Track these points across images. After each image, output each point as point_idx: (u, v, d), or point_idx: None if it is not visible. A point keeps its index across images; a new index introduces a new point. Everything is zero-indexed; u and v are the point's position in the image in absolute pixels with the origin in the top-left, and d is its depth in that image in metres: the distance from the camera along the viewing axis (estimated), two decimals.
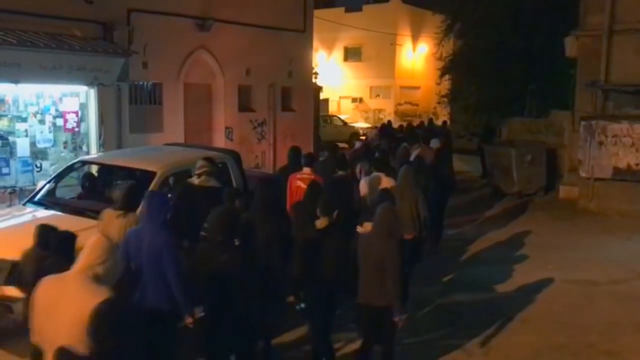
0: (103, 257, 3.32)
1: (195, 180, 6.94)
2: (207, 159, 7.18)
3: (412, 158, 9.88)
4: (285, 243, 5.44)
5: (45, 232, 4.85)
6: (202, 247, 4.83)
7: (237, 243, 4.67)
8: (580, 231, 11.52)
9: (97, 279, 3.26)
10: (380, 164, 8.38)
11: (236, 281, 4.48)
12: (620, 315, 7.31)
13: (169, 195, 6.45)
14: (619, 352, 6.34)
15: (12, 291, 5.78)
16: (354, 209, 7.19)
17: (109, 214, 5.79)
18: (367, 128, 28.91)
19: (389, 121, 21.14)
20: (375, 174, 7.99)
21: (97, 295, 3.14)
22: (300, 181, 7.69)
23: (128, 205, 5.73)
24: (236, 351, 4.78)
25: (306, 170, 7.87)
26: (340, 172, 8.19)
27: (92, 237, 3.47)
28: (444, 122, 21.10)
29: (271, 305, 5.10)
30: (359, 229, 5.50)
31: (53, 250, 4.61)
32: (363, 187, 7.86)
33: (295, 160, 8.49)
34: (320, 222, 5.30)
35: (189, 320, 4.67)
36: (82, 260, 3.34)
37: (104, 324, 2.91)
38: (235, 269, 4.50)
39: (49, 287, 3.33)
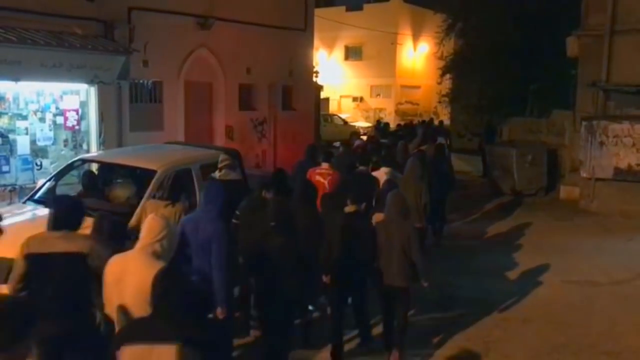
0: (159, 236, 3.85)
1: (216, 174, 7.37)
2: (228, 153, 7.70)
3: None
4: (319, 230, 5.92)
5: (99, 220, 5.09)
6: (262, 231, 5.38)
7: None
8: (581, 231, 11.51)
9: (156, 256, 3.80)
10: (388, 158, 9.05)
11: (288, 261, 4.97)
12: (621, 316, 7.31)
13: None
14: (620, 353, 6.33)
15: None
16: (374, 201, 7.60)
17: (154, 204, 6.14)
18: (368, 127, 28.89)
19: (378, 121, 21.98)
20: (384, 168, 8.55)
21: (156, 268, 3.61)
22: (320, 176, 8.19)
23: (174, 196, 6.16)
24: (286, 323, 5.21)
25: (324, 165, 8.39)
26: (362, 168, 8.67)
27: (149, 217, 4.04)
28: (440, 122, 21.23)
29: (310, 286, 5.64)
30: (373, 219, 6.09)
31: (107, 235, 4.80)
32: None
33: (312, 155, 9.22)
34: (349, 208, 5.95)
35: (219, 311, 4.79)
36: (142, 239, 3.88)
37: (160, 288, 3.19)
38: (288, 250, 5.03)
39: (115, 264, 3.87)
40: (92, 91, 11.28)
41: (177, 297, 3.04)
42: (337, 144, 12.80)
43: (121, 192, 7.47)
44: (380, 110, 38.52)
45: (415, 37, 40.48)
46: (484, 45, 18.37)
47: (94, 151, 11.03)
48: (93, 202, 7.11)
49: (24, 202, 7.46)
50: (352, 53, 41.54)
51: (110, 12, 11.79)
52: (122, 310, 3.72)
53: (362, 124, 32.35)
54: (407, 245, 5.61)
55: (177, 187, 6.37)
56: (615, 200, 12.60)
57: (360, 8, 39.70)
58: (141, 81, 12.93)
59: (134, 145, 10.89)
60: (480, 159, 17.25)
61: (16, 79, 9.74)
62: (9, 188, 9.88)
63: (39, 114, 10.63)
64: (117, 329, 3.72)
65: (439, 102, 25.24)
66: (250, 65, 15.56)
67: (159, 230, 3.87)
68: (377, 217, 6.05)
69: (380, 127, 17.33)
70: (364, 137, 16.19)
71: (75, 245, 4.09)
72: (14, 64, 9.54)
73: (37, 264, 4.08)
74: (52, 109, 10.82)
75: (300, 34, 17.25)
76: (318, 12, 19.29)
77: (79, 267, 4.01)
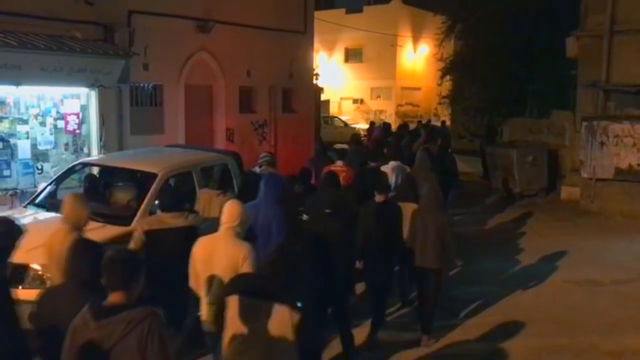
0: (239, 220, 4.51)
1: (257, 169, 8.40)
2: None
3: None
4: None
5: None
6: (315, 216, 6.19)
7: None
8: (582, 232, 11.51)
9: (238, 236, 4.50)
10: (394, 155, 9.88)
11: (340, 244, 5.62)
12: (622, 316, 7.31)
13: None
14: (622, 353, 6.33)
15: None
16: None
17: (207, 193, 6.71)
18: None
19: (372, 122, 23.02)
20: (391, 162, 9.26)
21: (243, 247, 4.40)
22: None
23: (224, 186, 6.81)
24: (335, 303, 5.67)
25: (339, 163, 9.24)
26: (373, 164, 9.52)
27: (228, 203, 4.69)
28: (443, 122, 21.31)
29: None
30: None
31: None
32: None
33: (323, 153, 10.88)
34: (378, 198, 6.65)
35: None
36: (225, 222, 4.52)
37: (273, 258, 3.84)
38: (343, 234, 5.75)
39: (204, 245, 4.57)
40: (93, 95, 11.29)
41: (285, 268, 3.72)
42: (337, 146, 12.96)
43: (122, 195, 7.48)
44: (381, 112, 38.52)
45: (415, 38, 40.49)
46: (483, 47, 18.37)
47: (94, 155, 11.04)
48: (94, 205, 7.14)
49: (25, 206, 7.47)
50: (352, 55, 41.56)
51: (110, 15, 11.81)
52: (212, 282, 4.44)
53: (362, 125, 32.34)
54: (440, 233, 6.39)
55: (225, 178, 7.09)
56: (616, 200, 12.59)
57: (360, 10, 39.73)
58: (141, 84, 12.95)
59: (134, 148, 10.90)
60: (480, 160, 17.24)
61: (17, 83, 9.76)
62: (10, 192, 9.89)
63: (40, 118, 10.64)
64: (203, 298, 4.53)
65: (440, 103, 25.23)
66: (250, 67, 15.57)
67: (238, 214, 4.52)
68: (409, 207, 6.82)
69: (384, 127, 17.85)
70: (365, 139, 16.35)
71: (184, 221, 5.25)
72: (15, 68, 9.55)
73: (153, 238, 5.12)
74: (53, 113, 10.82)
75: (300, 37, 17.26)
76: (318, 14, 19.29)
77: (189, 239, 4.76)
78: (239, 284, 3.81)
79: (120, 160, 8.30)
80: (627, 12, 12.75)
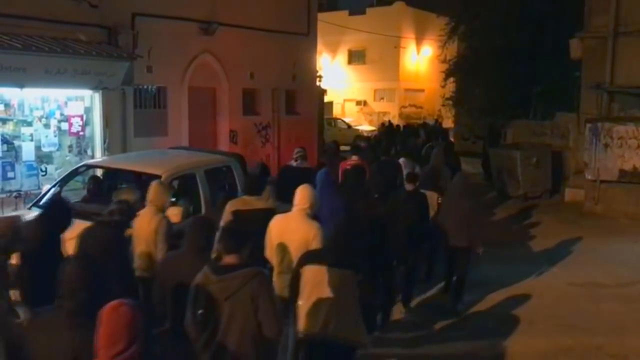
0: (310, 201, 5.20)
1: (293, 163, 9.33)
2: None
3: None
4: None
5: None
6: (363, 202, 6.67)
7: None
8: (586, 234, 11.47)
9: (309, 216, 5.17)
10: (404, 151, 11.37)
11: (389, 226, 6.23)
12: (626, 318, 7.28)
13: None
14: (626, 355, 6.31)
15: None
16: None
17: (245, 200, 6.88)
18: (371, 131, 28.90)
19: (382, 123, 23.94)
20: (402, 158, 10.43)
21: (313, 226, 5.08)
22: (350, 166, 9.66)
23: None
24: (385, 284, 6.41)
25: (354, 157, 9.72)
26: (384, 158, 10.72)
27: (301, 187, 5.34)
28: (436, 120, 21.61)
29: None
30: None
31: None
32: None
33: (336, 150, 11.59)
34: (408, 186, 7.67)
35: None
36: (298, 204, 5.22)
37: (343, 229, 4.66)
38: (389, 216, 6.36)
39: (279, 222, 5.27)
40: (97, 97, 11.32)
41: (355, 239, 4.56)
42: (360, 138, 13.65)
43: (126, 197, 7.48)
44: (384, 114, 38.48)
45: (419, 40, 40.45)
46: (487, 48, 18.35)
47: (98, 157, 11.07)
48: (98, 207, 7.15)
49: (30, 208, 7.49)
50: (356, 57, 41.53)
51: (114, 18, 11.85)
52: (284, 255, 5.13)
53: (366, 127, 32.35)
54: (467, 216, 7.26)
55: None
56: (620, 202, 12.56)
57: (363, 12, 39.71)
58: (145, 87, 12.99)
59: (138, 150, 10.93)
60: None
61: (21, 85, 9.80)
62: (14, 194, 9.92)
63: (44, 120, 10.68)
64: (276, 268, 5.18)
65: (443, 105, 25.18)
66: (254, 70, 15.60)
67: (309, 198, 5.22)
68: (432, 196, 7.83)
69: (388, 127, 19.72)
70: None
71: (264, 204, 6.16)
72: (19, 70, 9.59)
73: (238, 217, 5.88)
74: (57, 115, 10.86)
75: (303, 39, 17.29)
76: (321, 16, 19.29)
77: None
78: (311, 256, 4.55)
79: (124, 162, 8.32)
80: (631, 14, 12.72)
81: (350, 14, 39.63)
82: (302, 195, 5.25)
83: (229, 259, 3.81)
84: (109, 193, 7.58)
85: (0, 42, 9.45)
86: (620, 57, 12.86)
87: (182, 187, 7.65)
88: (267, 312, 3.73)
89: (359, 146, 11.34)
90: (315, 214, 5.40)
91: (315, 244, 4.95)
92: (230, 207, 6.18)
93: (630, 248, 10.53)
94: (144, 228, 5.45)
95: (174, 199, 7.17)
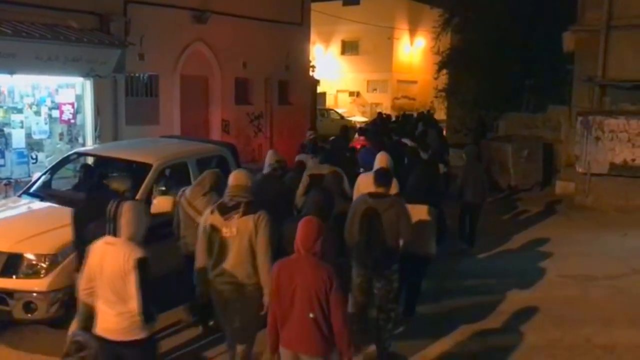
0: (387, 163, 6.51)
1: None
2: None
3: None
4: None
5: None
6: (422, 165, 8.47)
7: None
8: (577, 226, 11.54)
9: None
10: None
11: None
12: (615, 310, 7.33)
13: None
14: (614, 347, 6.35)
15: (7, 283, 5.76)
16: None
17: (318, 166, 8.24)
18: (364, 122, 28.88)
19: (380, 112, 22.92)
20: (405, 139, 11.50)
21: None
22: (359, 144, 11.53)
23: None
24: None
25: (361, 138, 11.82)
26: (396, 138, 12.09)
27: (379, 154, 6.85)
28: (428, 111, 21.78)
29: None
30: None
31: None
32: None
33: (345, 135, 12.56)
34: (424, 155, 9.58)
35: None
36: (378, 164, 6.43)
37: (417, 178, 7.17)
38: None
39: (366, 178, 6.64)
40: (88, 85, 11.26)
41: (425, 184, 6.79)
42: (332, 138, 13.11)
43: (117, 185, 7.44)
44: (377, 105, 38.46)
45: (412, 31, 40.41)
46: (480, 41, 18.36)
47: (89, 145, 11.02)
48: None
49: (20, 196, 7.44)
50: (349, 47, 41.44)
51: (106, 5, 11.76)
52: None
53: (358, 118, 32.33)
54: (480, 178, 9.47)
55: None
56: (610, 195, 12.62)
57: (357, 2, 39.55)
58: (137, 75, 12.91)
59: (129, 139, 10.87)
60: None
61: (11, 71, 9.71)
62: (4, 181, 9.86)
63: (35, 108, 10.60)
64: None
65: (436, 97, 25.17)
66: (247, 59, 15.53)
67: (387, 160, 6.64)
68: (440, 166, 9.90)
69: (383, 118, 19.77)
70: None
71: (330, 169, 7.26)
72: (9, 56, 9.50)
73: (313, 179, 7.36)
74: (48, 103, 10.79)
75: (296, 28, 17.22)
76: (314, 6, 19.24)
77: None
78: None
79: (116, 150, 8.27)
80: (624, 7, 12.74)
81: (344, 4, 39.46)
82: (381, 159, 6.66)
83: (379, 190, 5.68)
84: (99, 181, 7.56)
85: None
86: (612, 51, 12.89)
87: (174, 176, 7.61)
88: (405, 224, 5.61)
89: (365, 129, 14.35)
90: None
91: (394, 191, 6.26)
92: (307, 171, 7.96)
93: (619, 241, 10.60)
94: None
95: (164, 188, 7.17)
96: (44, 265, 5.77)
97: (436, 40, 21.71)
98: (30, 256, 5.81)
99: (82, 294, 4.19)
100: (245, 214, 4.69)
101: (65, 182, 8.22)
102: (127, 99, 12.53)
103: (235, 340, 4.90)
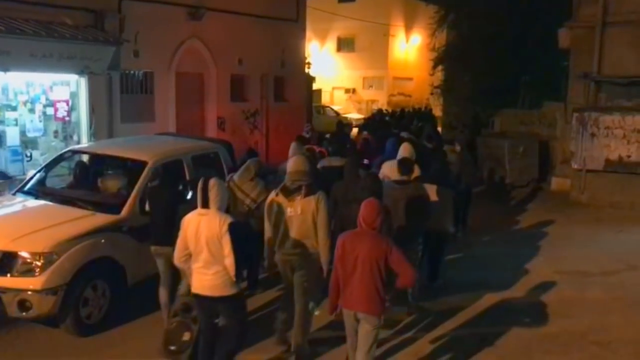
0: (411, 154, 7.20)
1: (305, 134, 11.29)
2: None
3: None
4: None
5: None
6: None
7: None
8: (572, 222, 11.57)
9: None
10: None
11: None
12: (611, 306, 7.36)
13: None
14: (609, 342, 6.38)
15: (1, 281, 5.74)
16: None
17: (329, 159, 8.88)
18: (360, 119, 28.87)
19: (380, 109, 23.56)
20: (403, 132, 11.86)
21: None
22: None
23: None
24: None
25: (365, 132, 12.08)
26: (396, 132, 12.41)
27: (404, 144, 7.60)
28: (426, 107, 22.02)
29: None
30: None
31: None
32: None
33: (342, 130, 13.09)
34: (429, 145, 10.15)
35: None
36: (401, 154, 7.14)
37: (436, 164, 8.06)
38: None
39: (390, 166, 7.27)
40: (83, 82, 11.20)
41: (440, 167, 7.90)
42: (327, 135, 13.07)
43: (112, 183, 7.43)
44: (373, 102, 38.43)
45: (408, 28, 40.36)
46: (476, 37, 18.33)
47: (84, 142, 10.97)
48: (83, 193, 7.10)
49: (14, 194, 7.41)
50: (345, 44, 41.36)
51: (100, 1, 11.70)
52: None
53: (354, 115, 32.29)
54: (473, 167, 10.80)
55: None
56: (605, 191, 12.66)
57: None
58: (132, 72, 12.86)
59: (124, 136, 10.83)
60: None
61: (5, 69, 9.66)
62: None
63: (29, 105, 10.54)
64: None
65: (431, 93, 25.16)
66: (242, 56, 15.49)
67: (410, 151, 7.29)
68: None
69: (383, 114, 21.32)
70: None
71: (341, 162, 7.75)
72: (3, 54, 9.45)
73: (324, 172, 7.88)
74: (42, 100, 10.73)
75: (292, 25, 17.18)
76: (310, 2, 19.14)
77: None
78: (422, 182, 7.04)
79: (111, 148, 8.23)
80: (619, 3, 12.75)
81: (340, 1, 39.35)
82: (404, 149, 7.27)
83: (402, 177, 6.55)
84: (94, 179, 7.53)
85: None
86: (608, 47, 12.90)
87: (169, 173, 7.58)
88: (426, 205, 6.49)
89: (366, 124, 16.24)
90: None
91: (416, 175, 6.96)
92: (320, 163, 8.35)
93: (614, 237, 10.64)
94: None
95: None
96: (38, 264, 5.74)
97: (432, 37, 21.68)
98: (24, 254, 5.78)
99: (179, 261, 5.03)
100: (307, 195, 5.46)
101: (60, 179, 8.18)
102: (122, 96, 12.47)
103: (299, 294, 5.61)
